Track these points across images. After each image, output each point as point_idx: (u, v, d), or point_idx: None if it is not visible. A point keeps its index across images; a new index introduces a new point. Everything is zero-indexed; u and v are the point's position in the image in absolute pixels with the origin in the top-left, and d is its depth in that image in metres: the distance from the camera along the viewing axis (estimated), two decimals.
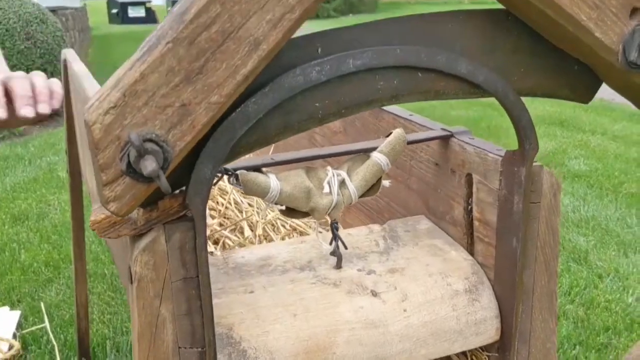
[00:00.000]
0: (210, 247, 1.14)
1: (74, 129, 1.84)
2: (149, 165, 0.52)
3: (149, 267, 0.63)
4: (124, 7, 17.71)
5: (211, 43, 0.55)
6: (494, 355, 0.88)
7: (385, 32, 0.69)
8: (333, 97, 0.67)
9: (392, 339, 0.80)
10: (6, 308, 2.44)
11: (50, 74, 5.36)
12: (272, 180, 0.80)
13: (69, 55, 1.78)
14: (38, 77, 1.13)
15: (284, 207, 0.82)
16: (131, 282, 0.65)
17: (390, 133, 0.89)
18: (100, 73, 5.46)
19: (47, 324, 2.21)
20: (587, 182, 3.72)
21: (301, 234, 1.20)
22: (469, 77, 0.72)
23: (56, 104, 1.16)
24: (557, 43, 0.75)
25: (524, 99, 0.76)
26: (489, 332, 0.85)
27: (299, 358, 0.76)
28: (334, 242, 0.87)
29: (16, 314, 2.38)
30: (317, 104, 0.67)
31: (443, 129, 0.94)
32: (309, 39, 0.66)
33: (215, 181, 0.76)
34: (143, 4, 18.00)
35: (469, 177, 0.89)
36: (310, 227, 1.20)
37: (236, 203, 1.26)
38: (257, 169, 0.82)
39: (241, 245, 1.11)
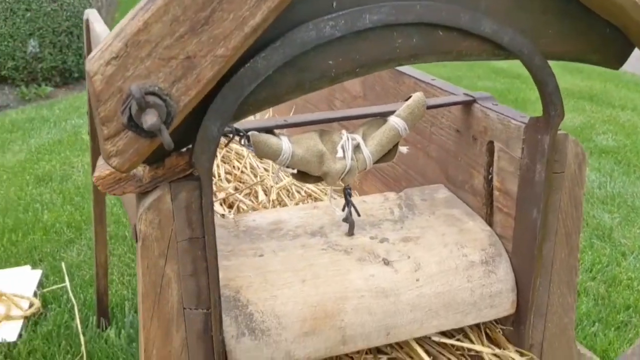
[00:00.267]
0: (225, 211, 1.12)
1: None
2: (150, 119, 0.50)
3: (153, 226, 0.62)
4: None
5: None
6: (509, 329, 0.85)
7: None
8: (347, 55, 0.64)
9: (403, 309, 0.78)
10: (27, 267, 2.48)
11: (77, 37, 5.37)
12: (284, 143, 0.78)
13: (92, 16, 1.76)
14: None
15: (296, 171, 0.80)
16: (136, 241, 0.64)
17: (410, 97, 0.85)
18: None
19: (67, 283, 2.23)
20: (614, 158, 3.63)
21: (316, 200, 1.18)
22: (494, 37, 0.68)
23: None
24: (588, 4, 0.71)
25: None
26: (504, 305, 0.82)
27: (306, 324, 0.74)
28: (346, 209, 0.85)
29: (37, 273, 2.42)
30: (330, 62, 0.64)
31: (466, 94, 0.91)
32: None
33: (226, 142, 0.74)
34: None
35: (490, 144, 0.86)
36: (325, 193, 1.18)
37: (252, 167, 1.24)
38: (269, 130, 0.79)
39: (255, 209, 1.09)
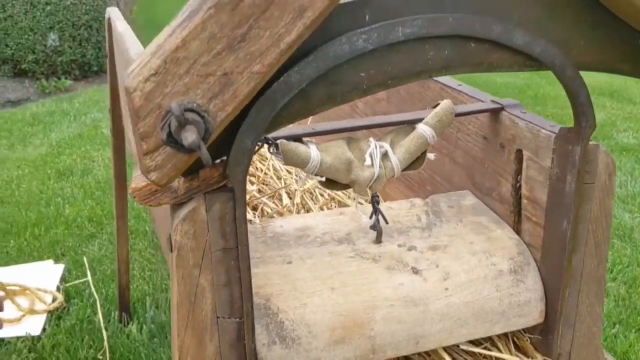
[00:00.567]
0: (249, 214, 1.13)
1: (117, 88, 1.84)
2: (190, 136, 0.50)
3: (189, 237, 0.62)
4: None
5: (254, 9, 0.52)
6: (536, 337, 0.85)
7: None
8: (380, 67, 0.64)
9: (432, 318, 0.78)
10: (50, 261, 2.51)
11: (96, 31, 5.41)
12: (313, 151, 0.78)
13: (113, 14, 1.77)
14: None
15: (324, 179, 0.81)
16: (171, 251, 0.64)
17: (437, 104, 0.85)
18: (144, 32, 5.49)
19: (89, 278, 2.26)
20: (635, 156, 3.59)
21: (339, 203, 1.18)
22: (525, 49, 0.68)
23: None
24: (621, 15, 0.70)
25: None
26: (533, 315, 0.82)
27: (336, 333, 0.75)
28: (374, 216, 0.85)
29: (60, 268, 2.45)
30: (362, 74, 0.64)
31: (493, 101, 0.90)
32: (356, 5, 0.63)
33: (255, 150, 0.75)
34: None
35: (519, 153, 0.86)
36: (349, 197, 1.18)
37: (275, 170, 1.25)
38: (297, 138, 0.80)
39: (279, 213, 1.10)
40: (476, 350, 0.84)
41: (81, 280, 2.31)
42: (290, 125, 0.90)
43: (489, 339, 0.87)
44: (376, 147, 0.81)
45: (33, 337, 2.00)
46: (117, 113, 1.88)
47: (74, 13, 5.31)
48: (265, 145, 0.77)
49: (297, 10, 0.53)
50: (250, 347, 0.68)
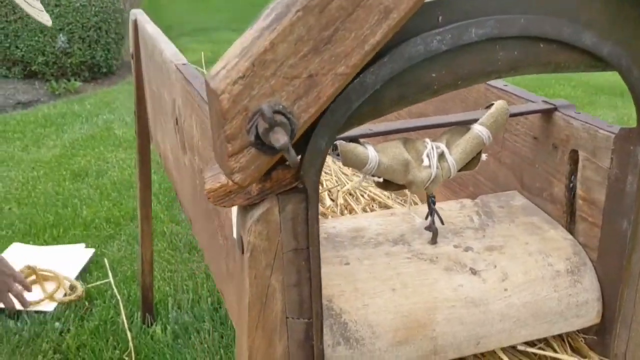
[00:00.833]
0: None
1: (143, 90, 1.84)
2: (281, 138, 0.50)
3: (262, 238, 0.62)
4: None
5: (341, 11, 0.53)
6: (591, 338, 0.85)
7: None
8: (451, 68, 0.64)
9: (493, 319, 0.78)
10: (82, 245, 2.56)
11: (105, 32, 5.41)
12: (371, 152, 0.78)
13: (140, 16, 1.77)
14: None
15: (380, 179, 0.81)
16: (242, 252, 0.64)
17: (491, 104, 0.85)
18: None
19: (111, 279, 2.26)
20: None
21: (380, 204, 1.18)
22: (593, 49, 0.68)
23: None
24: None
25: None
26: (590, 315, 0.82)
27: (399, 334, 0.75)
28: (429, 217, 0.85)
29: (89, 252, 2.50)
30: (433, 75, 0.64)
31: (545, 102, 0.90)
32: (429, 7, 0.63)
33: None
34: None
35: (573, 153, 0.85)
36: (389, 197, 1.18)
37: None
38: (354, 139, 0.80)
39: (323, 214, 1.10)
40: (534, 350, 0.84)
41: (102, 282, 2.32)
42: None
43: (544, 340, 0.87)
44: (433, 147, 0.81)
45: (57, 339, 2.00)
46: (143, 114, 1.88)
47: (84, 15, 5.32)
48: None
49: (383, 11, 0.53)
50: (319, 347, 0.68)
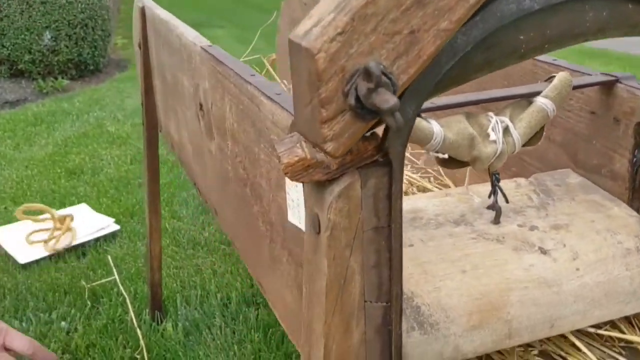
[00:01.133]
0: None
1: (151, 79, 1.78)
2: (391, 99, 0.46)
3: (342, 215, 0.58)
4: None
5: None
6: None
7: None
8: (539, 30, 0.60)
9: (567, 299, 0.75)
10: (111, 219, 2.66)
11: (92, 29, 5.31)
12: (435, 127, 0.74)
13: (148, 2, 1.71)
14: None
15: (445, 156, 0.76)
16: (318, 232, 0.60)
17: (552, 77, 0.82)
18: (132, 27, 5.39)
19: (116, 276, 2.20)
20: None
21: (418, 188, 1.14)
22: None
23: None
24: None
25: None
26: None
27: (473, 317, 0.71)
28: (492, 196, 0.81)
29: (114, 226, 2.61)
30: (522, 37, 0.60)
31: (605, 74, 0.87)
32: None
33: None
34: None
35: (638, 126, 0.82)
36: (428, 181, 1.14)
37: None
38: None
39: None
40: (603, 333, 0.80)
41: (108, 279, 2.25)
42: None
43: (610, 322, 0.83)
44: (498, 122, 0.77)
45: (65, 338, 1.94)
46: (151, 105, 1.82)
47: (70, 12, 5.21)
48: None
49: None
50: (398, 333, 0.64)
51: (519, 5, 0.57)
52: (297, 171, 0.57)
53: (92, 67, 5.44)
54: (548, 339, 0.81)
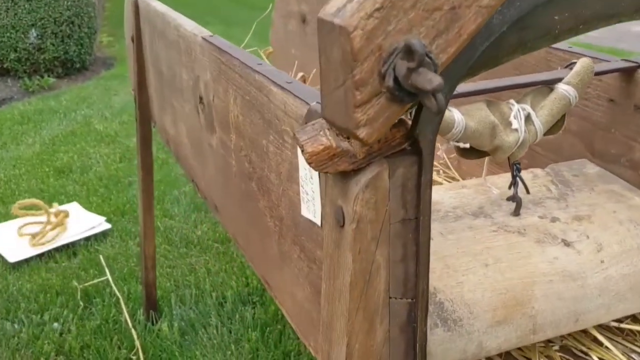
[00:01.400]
0: None
1: (144, 73, 1.74)
2: (435, 79, 0.42)
3: (369, 206, 0.55)
4: None
5: None
6: None
7: None
8: (574, 10, 0.57)
9: (592, 293, 0.72)
10: (103, 218, 2.60)
11: (78, 27, 5.23)
12: (457, 115, 0.71)
13: None
14: None
15: (466, 145, 0.74)
16: (342, 225, 0.57)
17: (573, 63, 0.79)
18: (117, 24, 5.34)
19: (108, 276, 2.15)
20: None
21: None
22: None
23: None
24: None
25: None
26: None
27: (498, 313, 0.68)
28: (512, 187, 0.78)
29: (105, 225, 2.55)
30: (556, 17, 0.57)
31: (626, 60, 0.84)
32: None
33: None
34: None
35: None
36: (438, 174, 1.11)
37: None
38: None
39: None
40: (622, 326, 0.78)
41: (100, 279, 2.20)
42: None
43: (631, 315, 0.81)
44: (520, 109, 0.74)
45: (58, 340, 1.89)
46: (144, 99, 1.78)
47: (56, 9, 5.13)
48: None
49: None
50: (423, 330, 0.61)
51: None
52: (322, 160, 0.54)
53: (78, 65, 5.36)
54: (569, 334, 0.79)
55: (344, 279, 0.58)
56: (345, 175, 0.56)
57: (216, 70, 1.03)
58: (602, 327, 0.80)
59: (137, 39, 1.71)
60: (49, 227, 2.45)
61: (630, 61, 0.84)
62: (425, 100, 0.45)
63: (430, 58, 0.44)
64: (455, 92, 0.75)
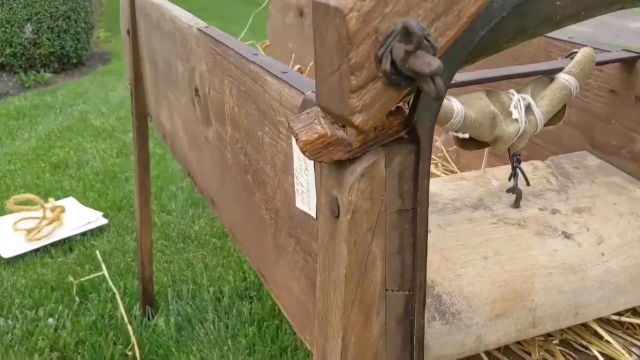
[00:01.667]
0: None
1: (141, 67, 1.72)
2: (434, 62, 0.41)
3: (365, 197, 0.53)
4: None
5: None
6: None
7: None
8: None
9: (592, 286, 0.71)
10: (100, 214, 2.59)
11: (74, 22, 5.20)
12: (456, 105, 0.70)
13: None
14: None
15: (466, 136, 0.72)
16: (337, 216, 0.55)
17: (574, 53, 0.78)
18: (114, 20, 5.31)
19: (105, 271, 2.14)
20: None
21: None
22: None
23: None
24: None
25: None
26: None
27: (497, 306, 0.67)
28: (513, 179, 0.77)
29: (102, 221, 2.52)
30: (558, 3, 0.55)
31: (627, 51, 0.83)
32: None
33: None
34: None
35: None
36: (435, 167, 1.10)
37: None
38: None
39: None
40: (623, 320, 0.77)
41: (97, 275, 2.19)
42: None
43: (631, 309, 0.80)
44: (520, 99, 0.73)
45: (53, 336, 1.87)
46: (140, 94, 1.76)
47: (52, 4, 5.10)
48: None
49: None
50: (420, 324, 0.59)
51: None
52: (317, 149, 0.52)
53: (75, 61, 5.33)
54: (569, 327, 0.78)
55: (339, 271, 0.56)
56: (341, 165, 0.55)
57: (212, 61, 1.02)
58: (603, 321, 0.79)
59: (133, 32, 1.70)
60: (44, 222, 2.43)
61: (631, 52, 0.82)
62: (423, 85, 0.43)
63: (429, 41, 0.43)
64: (454, 82, 0.74)
